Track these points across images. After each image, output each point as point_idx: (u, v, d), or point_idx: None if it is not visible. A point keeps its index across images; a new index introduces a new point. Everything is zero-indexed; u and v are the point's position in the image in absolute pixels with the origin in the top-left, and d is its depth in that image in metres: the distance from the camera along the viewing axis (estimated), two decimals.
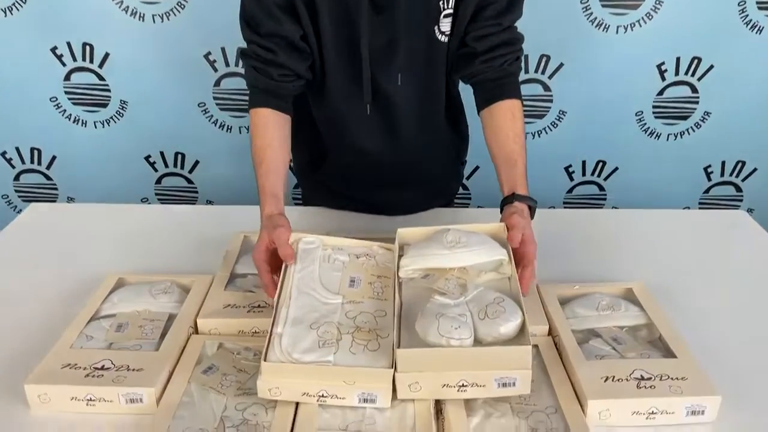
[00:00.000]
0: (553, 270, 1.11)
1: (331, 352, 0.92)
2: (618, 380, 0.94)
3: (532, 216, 1.11)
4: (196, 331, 1.07)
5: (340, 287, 1.04)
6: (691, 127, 2.12)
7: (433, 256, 1.03)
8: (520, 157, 1.15)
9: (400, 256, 1.06)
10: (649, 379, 0.94)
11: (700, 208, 2.25)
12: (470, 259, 1.02)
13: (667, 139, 2.13)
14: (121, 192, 2.14)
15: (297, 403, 0.92)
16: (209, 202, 2.22)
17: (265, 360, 0.90)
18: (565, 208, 2.24)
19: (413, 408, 0.91)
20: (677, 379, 0.94)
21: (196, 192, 2.21)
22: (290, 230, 1.07)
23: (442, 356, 0.89)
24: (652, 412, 0.91)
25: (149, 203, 2.18)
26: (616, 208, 2.21)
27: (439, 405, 0.93)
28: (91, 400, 0.92)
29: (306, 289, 1.02)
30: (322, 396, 0.91)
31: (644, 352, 1.01)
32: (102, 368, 0.95)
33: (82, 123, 2.08)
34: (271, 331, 0.94)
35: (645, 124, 2.10)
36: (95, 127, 2.10)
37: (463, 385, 0.90)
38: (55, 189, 2.20)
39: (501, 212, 1.13)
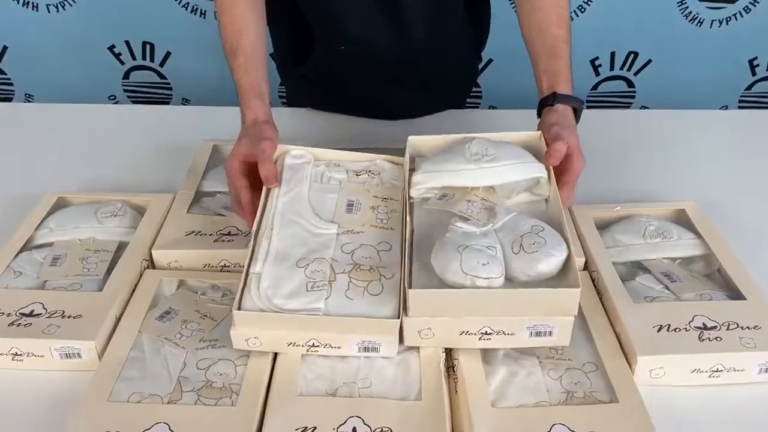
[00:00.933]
0: (584, 186, 0.89)
1: (322, 297, 0.72)
2: (675, 330, 0.75)
3: (577, 120, 0.88)
4: (151, 264, 0.86)
5: (336, 213, 0.83)
6: (739, 12, 1.84)
7: (453, 172, 0.81)
8: (566, 45, 0.91)
9: (411, 172, 0.85)
10: (714, 328, 0.75)
11: (739, 108, 1.99)
12: (500, 177, 0.80)
13: (711, 26, 1.85)
14: (85, 88, 1.91)
15: (274, 361, 0.72)
16: (185, 101, 1.99)
17: (238, 308, 0.70)
18: (588, 107, 1.97)
19: (418, 364, 0.72)
20: (748, 328, 0.75)
21: (170, 89, 1.97)
22: (277, 144, 0.85)
23: (465, 299, 0.69)
24: (717, 370, 0.73)
25: (117, 102, 1.97)
26: (645, 107, 1.95)
27: (451, 360, 0.74)
28: (17, 354, 0.73)
29: (292, 215, 0.81)
30: (313, 346, 0.71)
31: (705, 293, 0.81)
32: (31, 314, 0.75)
33: (34, 6, 1.80)
34: (247, 270, 0.74)
35: (687, 7, 1.82)
36: (48, 11, 1.82)
37: (486, 333, 0.71)
38: (11, 85, 1.95)
39: (538, 117, 0.90)
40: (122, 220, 0.91)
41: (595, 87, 1.97)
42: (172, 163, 1.07)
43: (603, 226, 0.93)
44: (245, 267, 0.74)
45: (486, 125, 1.20)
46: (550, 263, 0.70)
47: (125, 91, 1.97)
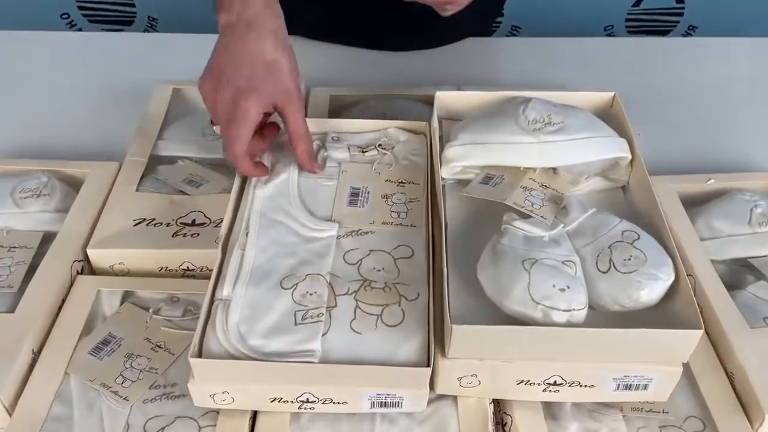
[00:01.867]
0: (658, 147, 0.68)
1: (318, 333, 0.51)
2: None
3: None
4: (87, 267, 0.64)
5: (335, 208, 0.61)
6: None
7: (503, 145, 0.59)
8: None
9: (441, 143, 0.62)
10: None
11: None
12: (570, 155, 0.59)
13: None
14: (33, 4, 1.64)
15: (254, 420, 0.52)
16: (151, 23, 1.71)
17: (199, 353, 0.49)
18: (628, 32, 1.72)
19: (456, 420, 0.53)
20: None
21: (133, 6, 1.69)
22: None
23: (534, 339, 0.48)
24: None
25: (71, 22, 1.70)
26: (693, 28, 1.68)
27: (500, 414, 0.55)
28: None
29: (275, 214, 0.59)
30: (307, 401, 0.51)
31: None
32: None
33: None
34: (212, 295, 0.53)
35: None
36: None
37: (555, 383, 0.51)
38: None
39: None
40: (48, 201, 0.67)
41: (637, 3, 1.66)
42: (121, 115, 0.82)
43: (690, 204, 0.70)
44: (209, 290, 0.53)
45: (523, 61, 0.96)
46: (655, 290, 0.50)
47: (80, 8, 1.71)
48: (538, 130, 0.59)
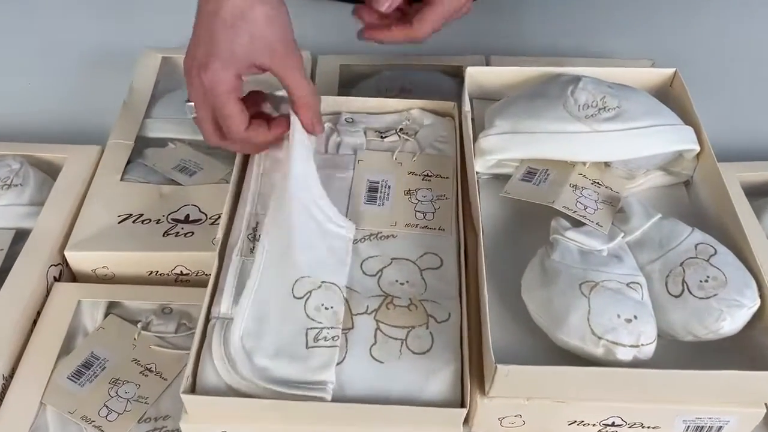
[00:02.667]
0: (717, 127, 0.56)
1: (332, 362, 0.43)
2: None
3: None
4: (65, 272, 0.56)
5: (350, 206, 0.53)
6: None
7: (549, 134, 0.51)
8: None
9: (474, 127, 0.53)
10: None
11: None
12: (631, 148, 0.50)
13: None
14: None
15: None
16: None
17: (192, 387, 0.42)
18: None
19: None
20: None
21: None
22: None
23: (592, 379, 0.41)
24: None
25: None
26: None
27: None
28: None
29: (300, 199, 0.50)
30: None
31: None
32: None
33: None
34: (208, 311, 0.45)
35: None
36: None
37: (613, 425, 0.44)
38: None
39: None
40: (20, 192, 0.59)
41: None
42: (103, 88, 0.73)
43: (755, 194, 0.61)
44: (204, 306, 0.45)
45: (558, 21, 0.85)
46: (737, 319, 0.42)
47: None
48: (591, 116, 0.50)
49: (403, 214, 0.53)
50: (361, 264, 0.49)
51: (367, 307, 0.47)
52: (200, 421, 0.42)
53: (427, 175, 0.55)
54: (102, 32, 0.83)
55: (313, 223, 0.50)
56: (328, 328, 0.45)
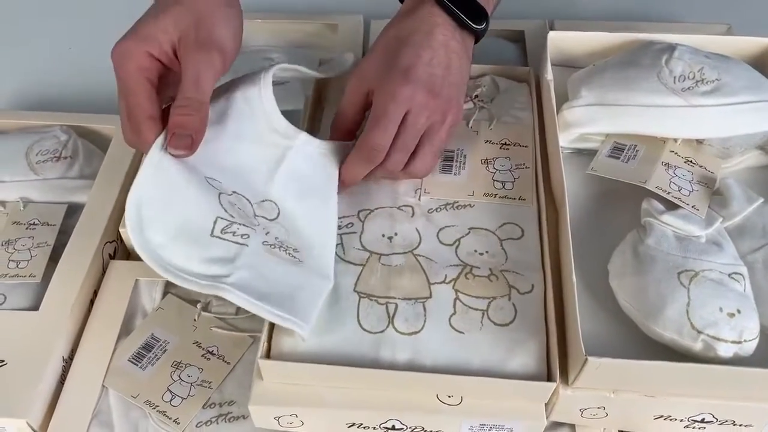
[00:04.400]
0: None
1: (234, 260, 0.42)
2: None
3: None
4: (122, 249, 0.57)
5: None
6: None
7: (641, 108, 0.49)
8: None
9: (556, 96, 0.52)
10: None
11: None
12: (730, 124, 0.48)
13: None
14: None
15: None
16: None
17: (267, 354, 0.43)
18: None
19: None
20: None
21: None
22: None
23: (687, 374, 0.40)
24: None
25: None
26: None
27: None
28: None
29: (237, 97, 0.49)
30: (392, 429, 0.44)
31: None
32: None
33: None
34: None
35: None
36: None
37: (703, 420, 0.43)
38: None
39: None
40: (70, 165, 0.59)
41: None
42: None
43: None
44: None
45: None
46: None
47: None
48: (688, 89, 0.48)
49: (481, 184, 0.52)
50: (438, 233, 0.49)
51: (445, 276, 0.47)
52: (269, 404, 0.43)
53: (505, 144, 0.54)
54: None
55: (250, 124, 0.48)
56: (240, 225, 0.44)
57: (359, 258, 0.48)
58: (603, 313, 0.44)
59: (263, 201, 0.47)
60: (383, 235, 0.49)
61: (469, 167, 0.53)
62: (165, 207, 0.42)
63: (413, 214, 0.50)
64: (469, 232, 0.49)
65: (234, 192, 0.46)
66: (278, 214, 0.47)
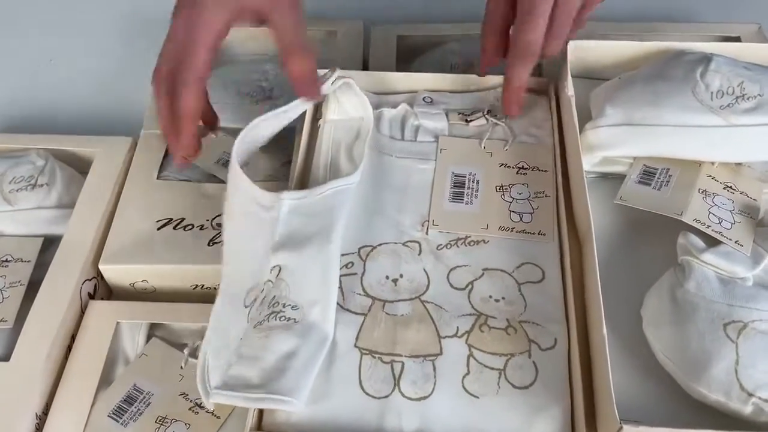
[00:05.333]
0: None
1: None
2: None
3: None
4: (103, 286, 0.52)
5: (432, 204, 0.48)
6: None
7: (673, 128, 0.44)
8: None
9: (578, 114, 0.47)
10: None
11: None
12: None
13: None
14: None
15: None
16: None
17: (259, 425, 0.39)
18: None
19: None
20: None
21: None
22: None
23: None
24: None
25: None
26: None
27: None
28: None
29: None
30: None
31: None
32: None
33: None
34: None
35: None
36: None
37: None
38: None
39: None
40: (47, 193, 0.55)
41: None
42: (135, 67, 0.68)
43: None
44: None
45: None
46: None
47: None
48: (727, 106, 0.43)
49: (495, 215, 0.47)
50: (448, 275, 0.45)
51: (457, 328, 0.42)
52: None
53: (523, 168, 0.49)
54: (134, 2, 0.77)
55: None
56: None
57: (361, 306, 0.43)
58: (635, 365, 0.40)
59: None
60: (387, 277, 0.44)
61: (482, 195, 0.48)
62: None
63: (420, 251, 0.45)
64: (483, 274, 0.44)
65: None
66: (279, 271, 0.42)
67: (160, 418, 0.45)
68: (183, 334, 0.50)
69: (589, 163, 0.46)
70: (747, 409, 0.35)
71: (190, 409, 0.45)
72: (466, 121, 0.52)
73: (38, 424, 0.44)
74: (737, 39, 0.61)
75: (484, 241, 0.46)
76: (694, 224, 0.41)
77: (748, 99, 0.43)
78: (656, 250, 0.43)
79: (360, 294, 0.43)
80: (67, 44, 0.73)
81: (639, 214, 0.44)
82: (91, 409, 0.45)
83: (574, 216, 0.45)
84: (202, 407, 0.45)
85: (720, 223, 0.41)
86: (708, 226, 0.41)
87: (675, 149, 0.44)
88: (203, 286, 0.52)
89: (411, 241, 0.46)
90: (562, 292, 0.43)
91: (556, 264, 0.45)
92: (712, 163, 0.45)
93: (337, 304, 0.42)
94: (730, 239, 0.40)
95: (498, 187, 0.48)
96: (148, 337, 0.49)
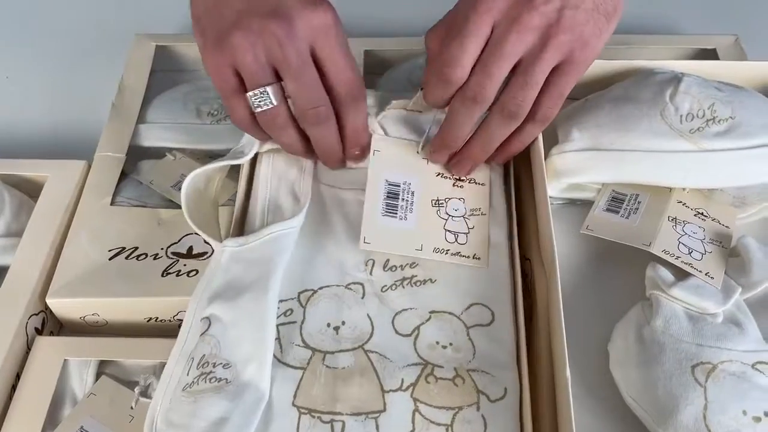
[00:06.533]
0: None
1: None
2: None
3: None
4: (51, 319, 0.50)
5: (364, 220, 0.44)
6: None
7: (642, 153, 0.42)
8: None
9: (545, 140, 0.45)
10: None
11: None
12: (749, 171, 0.42)
13: None
14: None
15: None
16: None
17: None
18: None
19: None
20: None
21: None
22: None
23: None
24: None
25: None
26: None
27: None
28: None
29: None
30: None
31: None
32: None
33: None
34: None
35: None
36: None
37: None
38: None
39: None
40: None
41: None
42: (88, 85, 0.66)
43: None
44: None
45: None
46: None
47: None
48: (698, 130, 0.41)
49: (430, 235, 0.44)
50: (393, 320, 0.42)
51: (402, 381, 0.40)
52: None
53: (459, 180, 0.46)
54: (85, 14, 0.75)
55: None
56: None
57: (299, 359, 0.40)
58: (602, 406, 0.38)
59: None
60: (329, 325, 0.42)
61: (417, 210, 0.44)
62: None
63: (364, 294, 0.43)
64: (431, 317, 0.42)
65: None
66: (209, 326, 0.40)
67: None
68: (134, 371, 0.47)
69: (556, 189, 0.45)
70: None
71: None
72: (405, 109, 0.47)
73: None
74: (713, 51, 0.60)
75: (431, 280, 0.44)
76: (663, 255, 0.39)
77: (719, 122, 0.42)
78: (624, 281, 0.41)
79: (299, 345, 0.41)
80: (24, 60, 0.71)
81: (607, 243, 0.42)
82: None
83: (540, 246, 0.43)
84: None
85: (690, 253, 0.40)
86: (677, 257, 0.39)
87: (644, 175, 0.42)
88: (157, 318, 0.50)
89: (354, 283, 0.44)
90: (514, 336, 0.41)
91: (508, 305, 0.42)
92: (683, 189, 0.43)
93: (275, 357, 0.40)
94: (701, 271, 0.39)
95: (434, 201, 0.45)
96: (98, 375, 0.47)
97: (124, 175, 0.56)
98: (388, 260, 0.44)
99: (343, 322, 0.42)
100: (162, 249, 0.51)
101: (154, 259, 0.51)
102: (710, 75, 0.46)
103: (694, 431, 0.33)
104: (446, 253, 0.44)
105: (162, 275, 0.50)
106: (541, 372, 0.39)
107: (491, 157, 0.44)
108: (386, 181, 0.46)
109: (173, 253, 0.51)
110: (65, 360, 0.47)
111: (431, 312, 0.42)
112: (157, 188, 0.55)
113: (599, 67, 0.48)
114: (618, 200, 0.43)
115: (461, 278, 0.43)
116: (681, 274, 0.39)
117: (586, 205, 0.44)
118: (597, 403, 0.38)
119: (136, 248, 0.51)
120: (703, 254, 0.40)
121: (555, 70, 0.38)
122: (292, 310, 0.42)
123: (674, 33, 0.68)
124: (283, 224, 0.44)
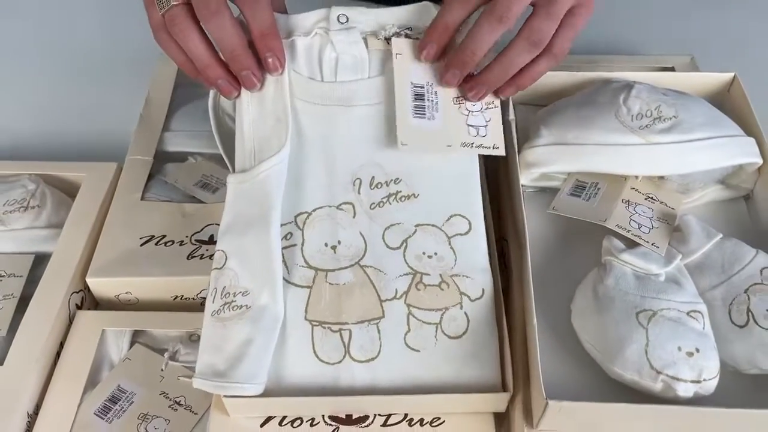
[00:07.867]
0: None
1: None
2: None
3: None
4: (89, 298, 0.57)
5: (399, 121, 0.48)
6: None
7: (599, 146, 0.50)
8: None
9: (519, 137, 0.53)
10: None
11: None
12: (688, 161, 0.50)
13: None
14: None
15: None
16: None
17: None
18: None
19: None
20: None
21: None
22: None
23: (655, 417, 0.41)
24: None
25: None
26: None
27: None
28: None
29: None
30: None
31: None
32: None
33: None
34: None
35: None
36: None
37: None
38: None
39: None
40: (38, 214, 0.60)
41: None
42: (118, 97, 0.74)
43: None
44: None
45: None
46: None
47: None
48: (646, 127, 0.49)
49: (456, 131, 0.49)
50: (383, 235, 0.48)
51: (396, 290, 0.47)
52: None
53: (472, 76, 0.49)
54: (116, 38, 0.84)
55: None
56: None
57: (305, 278, 0.46)
58: (566, 352, 0.45)
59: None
60: (326, 245, 0.47)
61: (442, 109, 0.49)
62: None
63: (355, 213, 0.48)
64: (416, 231, 0.48)
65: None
66: (225, 260, 0.46)
67: (142, 415, 0.50)
68: (163, 341, 0.55)
69: (528, 178, 0.52)
70: (657, 386, 0.40)
71: (169, 406, 0.50)
72: (386, 39, 0.50)
73: (29, 422, 0.49)
74: (672, 68, 0.68)
75: (414, 195, 0.49)
76: (616, 229, 0.47)
77: (664, 120, 0.50)
78: (585, 253, 0.49)
79: (303, 266, 0.46)
80: (49, 79, 0.79)
81: (571, 222, 0.50)
82: (78, 408, 0.50)
83: (514, 225, 0.51)
84: (181, 404, 0.51)
85: (639, 228, 0.47)
86: (628, 231, 0.47)
87: (601, 165, 0.50)
88: (182, 296, 0.57)
89: (345, 203, 0.48)
90: (487, 240, 0.48)
91: (480, 214, 0.49)
92: (636, 177, 0.51)
93: (284, 279, 0.46)
94: (648, 242, 0.46)
95: (455, 99, 0.50)
96: (131, 344, 0.54)
97: (151, 177, 0.64)
98: (373, 177, 0.49)
99: (339, 242, 0.47)
100: (187, 237, 0.59)
101: (180, 245, 0.58)
102: (660, 83, 0.54)
103: (638, 364, 0.41)
104: (471, 146, 0.49)
105: (187, 258, 0.57)
106: (515, 324, 0.47)
107: (500, 90, 0.49)
108: (411, 83, 0.49)
109: (197, 240, 0.59)
110: (103, 330, 0.54)
111: (416, 225, 0.48)
112: (181, 186, 0.63)
113: (567, 77, 0.57)
114: (580, 187, 0.51)
115: (441, 191, 0.49)
116: (632, 245, 0.47)
117: (555, 191, 0.51)
118: (562, 346, 0.46)
119: (164, 236, 0.59)
120: (650, 229, 0.48)
121: (569, 12, 0.45)
122: (291, 234, 0.47)
123: (637, 54, 0.76)
124: (271, 161, 0.47)
